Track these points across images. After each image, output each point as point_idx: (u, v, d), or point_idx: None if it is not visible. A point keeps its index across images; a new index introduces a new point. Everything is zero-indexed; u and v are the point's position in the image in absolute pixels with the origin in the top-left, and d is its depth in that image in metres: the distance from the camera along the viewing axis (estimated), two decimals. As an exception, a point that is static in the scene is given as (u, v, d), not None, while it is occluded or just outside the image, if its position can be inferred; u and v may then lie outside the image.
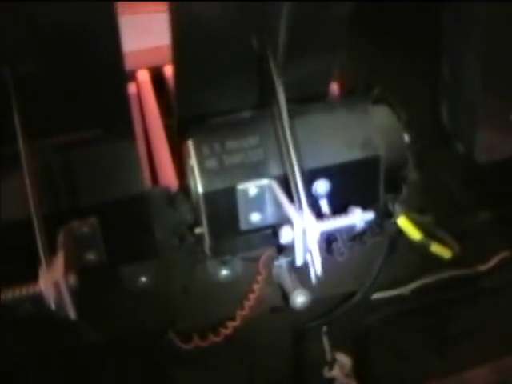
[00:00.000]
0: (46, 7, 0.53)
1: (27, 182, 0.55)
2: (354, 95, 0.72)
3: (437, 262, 0.79)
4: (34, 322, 0.66)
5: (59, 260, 0.55)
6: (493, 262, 0.94)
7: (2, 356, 0.72)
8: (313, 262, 0.57)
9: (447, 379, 1.01)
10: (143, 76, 1.46)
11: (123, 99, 0.64)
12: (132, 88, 1.40)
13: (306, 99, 0.69)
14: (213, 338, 0.78)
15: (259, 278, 0.74)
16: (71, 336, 0.71)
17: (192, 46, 0.60)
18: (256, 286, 0.74)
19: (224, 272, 0.73)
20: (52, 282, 0.53)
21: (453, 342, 1.02)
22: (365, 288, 0.82)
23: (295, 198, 0.59)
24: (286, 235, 0.56)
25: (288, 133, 0.59)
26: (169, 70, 1.53)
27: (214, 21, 0.58)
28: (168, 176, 0.89)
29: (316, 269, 0.57)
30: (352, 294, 0.85)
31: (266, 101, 0.67)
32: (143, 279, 0.71)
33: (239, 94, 0.67)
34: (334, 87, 0.75)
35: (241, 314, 0.75)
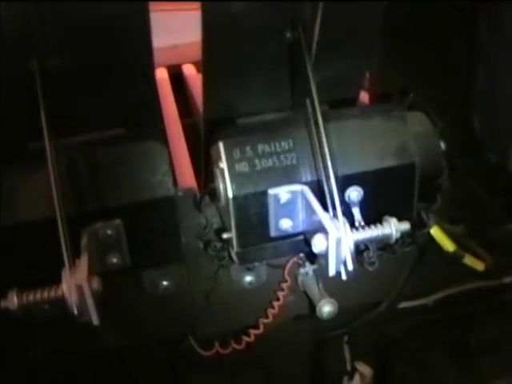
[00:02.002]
0: (74, 1, 0.51)
1: (52, 180, 0.54)
2: (389, 101, 0.70)
3: (461, 273, 0.77)
4: (54, 326, 0.65)
5: (83, 263, 0.53)
6: (517, 275, 0.92)
7: (21, 359, 0.71)
8: (346, 271, 0.55)
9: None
10: (162, 74, 1.45)
11: (153, 98, 0.63)
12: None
13: (337, 102, 0.68)
14: (234, 346, 0.76)
15: (284, 285, 0.72)
16: (91, 340, 0.70)
17: (222, 44, 0.59)
18: (281, 294, 0.73)
19: (248, 278, 0.72)
20: (75, 285, 0.52)
21: (476, 355, 1.00)
22: (390, 298, 0.80)
23: (329, 206, 0.57)
24: (319, 244, 0.54)
25: (323, 136, 0.58)
26: (187, 69, 1.52)
27: (246, 18, 0.57)
28: (187, 176, 0.87)
29: (349, 278, 0.56)
30: (375, 304, 0.83)
31: (294, 102, 0.66)
32: (165, 283, 0.69)
33: (268, 94, 0.66)
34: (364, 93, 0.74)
35: (264, 321, 0.74)
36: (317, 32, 0.59)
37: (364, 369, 0.95)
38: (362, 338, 0.94)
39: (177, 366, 0.85)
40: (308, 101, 0.60)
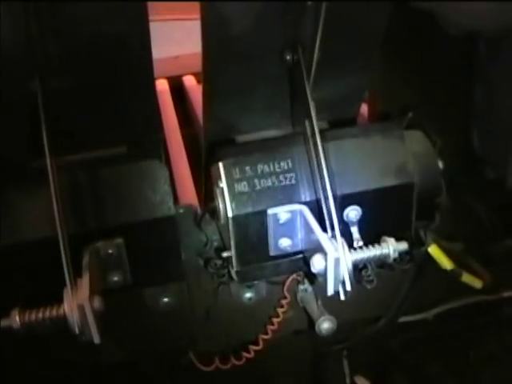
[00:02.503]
0: (76, 21, 0.52)
1: (54, 199, 0.55)
2: (387, 120, 0.71)
3: (461, 288, 0.78)
4: (53, 340, 0.65)
5: (84, 282, 0.54)
6: (516, 289, 0.93)
7: (20, 371, 0.72)
8: (344, 291, 0.55)
9: (468, 406, 0.99)
10: (162, 85, 1.46)
11: (153, 115, 0.64)
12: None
13: (337, 120, 0.68)
14: (234, 361, 0.76)
15: (284, 301, 0.73)
16: (91, 355, 0.70)
17: (223, 65, 0.59)
18: (280, 310, 0.73)
19: (248, 295, 0.72)
20: (77, 305, 0.52)
21: (475, 369, 1.00)
22: (389, 314, 0.80)
23: (327, 225, 0.58)
24: (317, 264, 0.54)
25: (322, 158, 0.58)
26: (188, 80, 1.53)
27: (246, 39, 0.57)
28: (188, 192, 0.88)
29: (347, 297, 0.56)
30: (375, 318, 0.83)
31: (294, 120, 0.66)
32: (166, 300, 0.70)
33: (268, 112, 0.66)
34: (364, 111, 0.75)
35: (264, 337, 0.74)
36: (316, 53, 0.60)
37: (363, 382, 0.95)
38: (361, 352, 0.94)
39: (177, 381, 0.85)
40: (307, 121, 0.61)
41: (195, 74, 1.49)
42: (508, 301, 0.93)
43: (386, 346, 0.97)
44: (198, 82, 1.50)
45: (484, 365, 1.00)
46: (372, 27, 0.62)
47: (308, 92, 0.59)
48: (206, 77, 0.60)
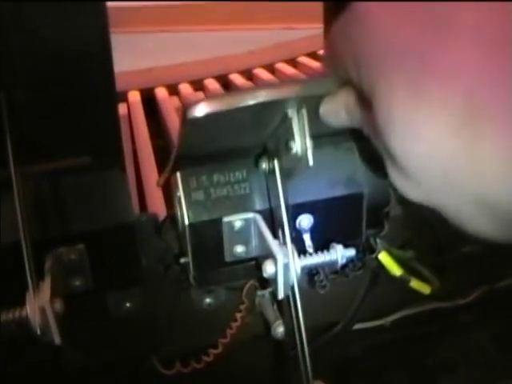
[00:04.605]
0: (39, 33, 0.54)
1: (17, 207, 0.57)
2: (339, 133, 0.74)
3: (418, 295, 0.80)
4: (17, 345, 0.67)
5: (46, 286, 0.56)
6: (473, 296, 0.96)
7: None
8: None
9: (426, 410, 1.02)
10: (134, 97, 1.48)
11: (113, 128, 0.66)
12: (123, 109, 1.42)
13: None
14: (195, 365, 0.78)
15: (242, 307, 0.75)
16: (55, 360, 0.72)
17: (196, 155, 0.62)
18: (239, 315, 0.75)
19: (208, 300, 0.74)
20: (38, 307, 0.55)
21: (433, 375, 1.03)
22: (346, 319, 0.83)
23: (279, 233, 0.61)
24: (268, 269, 0.57)
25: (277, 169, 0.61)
26: (160, 92, 1.55)
27: (221, 148, 0.61)
28: (156, 201, 0.90)
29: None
30: (333, 324, 0.86)
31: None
32: (128, 305, 0.72)
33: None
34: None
35: (223, 341, 0.76)
36: None
37: (323, 387, 0.97)
38: (321, 358, 0.95)
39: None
40: None
41: (167, 86, 1.52)
42: (463, 308, 0.97)
43: (345, 352, 0.99)
44: (170, 93, 1.53)
45: (442, 371, 1.03)
46: None
47: (281, 196, 0.62)
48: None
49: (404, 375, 1.03)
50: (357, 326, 0.91)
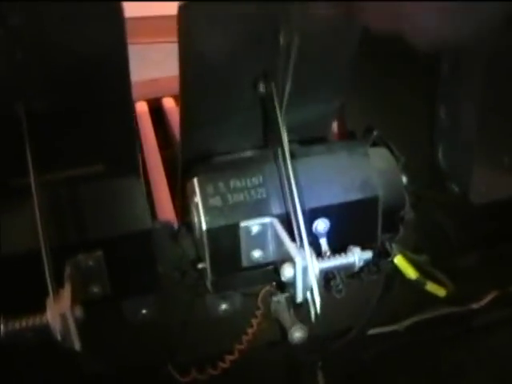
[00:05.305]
0: (57, 43, 0.55)
1: (37, 214, 0.57)
2: (353, 138, 0.75)
3: (431, 300, 0.81)
4: (35, 353, 0.67)
5: (66, 292, 0.57)
6: (485, 301, 0.96)
7: None
8: (313, 299, 0.59)
9: (440, 416, 1.02)
10: (142, 107, 1.48)
11: (131, 135, 0.66)
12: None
13: (307, 141, 0.72)
14: (211, 371, 0.78)
15: (258, 312, 0.75)
16: (72, 368, 0.72)
17: (199, 94, 0.63)
18: (254, 321, 0.75)
19: (223, 306, 0.75)
20: (59, 313, 0.55)
21: (445, 380, 1.03)
22: (360, 325, 0.83)
23: (296, 236, 0.61)
24: (287, 272, 0.58)
25: (291, 173, 0.62)
26: (167, 102, 1.56)
27: (221, 71, 0.61)
28: (166, 209, 0.91)
29: (316, 306, 0.59)
30: (347, 330, 0.86)
31: (267, 141, 0.69)
32: (144, 312, 0.72)
33: (241, 135, 0.70)
34: (334, 129, 0.78)
35: (239, 348, 0.76)
36: (288, 84, 0.64)
37: (337, 393, 0.97)
38: (335, 363, 0.96)
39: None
40: (278, 144, 0.64)
41: (174, 97, 1.52)
42: (476, 312, 0.97)
43: (359, 358, 0.99)
44: (177, 104, 1.53)
45: (455, 376, 1.03)
46: (342, 58, 0.66)
47: (279, 119, 0.63)
48: (183, 103, 0.63)
49: (417, 380, 1.03)
50: (370, 332, 0.91)
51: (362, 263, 0.62)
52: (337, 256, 0.62)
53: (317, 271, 0.58)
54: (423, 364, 1.03)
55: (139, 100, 1.44)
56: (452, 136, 0.78)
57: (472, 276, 0.88)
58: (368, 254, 0.62)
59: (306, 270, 0.57)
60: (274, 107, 0.62)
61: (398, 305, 0.87)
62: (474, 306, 0.96)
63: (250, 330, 0.76)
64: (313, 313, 0.60)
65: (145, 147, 1.27)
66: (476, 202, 0.77)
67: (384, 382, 1.02)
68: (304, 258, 0.57)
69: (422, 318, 0.93)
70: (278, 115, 0.62)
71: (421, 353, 1.01)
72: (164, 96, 1.52)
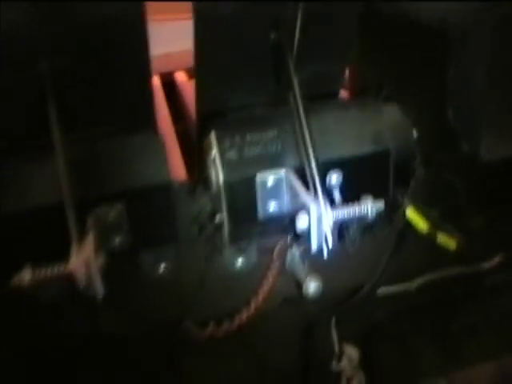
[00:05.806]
0: (83, 7, 0.57)
1: (61, 169, 0.59)
2: (366, 94, 0.76)
3: (441, 260, 0.82)
4: (55, 310, 0.69)
5: (89, 240, 0.58)
6: (496, 260, 0.97)
7: (21, 342, 0.76)
8: (327, 246, 0.60)
9: (450, 376, 1.03)
10: (155, 81, 1.49)
11: (149, 94, 0.68)
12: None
13: (320, 97, 0.73)
14: (227, 327, 0.80)
15: (273, 266, 0.77)
16: (90, 324, 0.74)
17: (212, 45, 0.64)
18: (270, 274, 0.77)
19: (240, 260, 0.76)
20: (83, 260, 0.57)
21: (456, 339, 1.04)
22: (372, 281, 0.85)
23: (311, 187, 0.63)
24: (302, 222, 0.60)
25: (305, 125, 0.63)
26: (180, 76, 1.56)
27: (233, 20, 0.62)
28: (181, 176, 0.92)
29: (331, 258, 0.61)
30: (359, 288, 0.87)
31: (281, 97, 0.71)
32: (163, 266, 0.74)
33: (255, 89, 0.71)
34: (346, 87, 0.79)
35: (255, 301, 0.78)
36: (298, 33, 0.65)
37: (351, 351, 0.99)
38: (348, 322, 0.98)
39: (174, 348, 0.89)
40: (291, 95, 0.65)
41: (186, 70, 1.53)
42: (488, 272, 0.98)
43: (372, 317, 1.01)
44: (189, 77, 1.54)
45: (466, 336, 1.04)
46: (351, 11, 0.67)
47: (291, 69, 0.64)
48: (197, 58, 0.64)
49: (428, 340, 1.05)
50: (382, 291, 0.93)
51: (374, 213, 0.64)
52: (350, 205, 0.63)
53: (331, 220, 0.60)
54: (433, 324, 1.04)
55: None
56: (461, 95, 0.79)
57: (482, 236, 0.89)
58: (380, 204, 0.64)
59: (320, 218, 0.59)
60: (285, 55, 0.64)
61: (409, 263, 0.88)
62: (485, 265, 0.98)
63: (265, 282, 0.78)
64: (326, 255, 0.61)
65: (158, 120, 1.29)
66: (486, 158, 0.78)
67: (395, 341, 1.03)
68: (319, 206, 0.59)
69: (432, 278, 0.95)
70: (290, 63, 0.64)
71: (432, 313, 1.03)
72: (176, 70, 1.53)
